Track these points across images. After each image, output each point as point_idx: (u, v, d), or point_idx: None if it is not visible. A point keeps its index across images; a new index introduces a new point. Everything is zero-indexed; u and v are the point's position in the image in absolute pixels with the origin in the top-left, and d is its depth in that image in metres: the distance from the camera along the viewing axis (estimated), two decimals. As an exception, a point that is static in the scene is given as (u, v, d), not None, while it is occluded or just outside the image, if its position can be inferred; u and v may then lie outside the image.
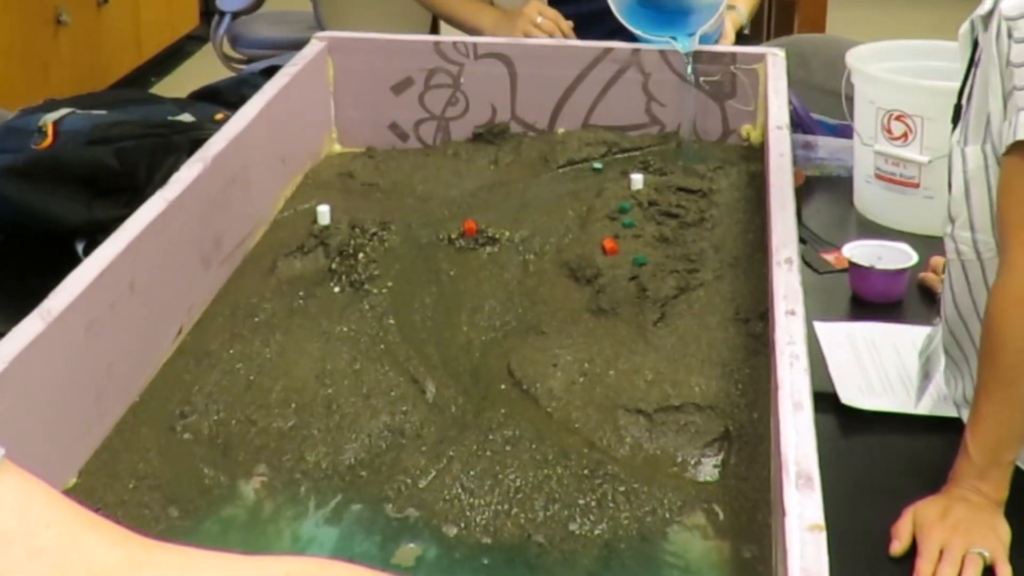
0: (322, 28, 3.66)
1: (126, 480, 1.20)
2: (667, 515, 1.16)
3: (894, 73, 1.97)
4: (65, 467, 1.19)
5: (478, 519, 1.15)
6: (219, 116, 2.03)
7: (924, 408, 1.47)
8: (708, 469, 1.24)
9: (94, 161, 1.84)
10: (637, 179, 1.75)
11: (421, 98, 2.03)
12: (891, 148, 1.95)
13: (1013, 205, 1.25)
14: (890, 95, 1.93)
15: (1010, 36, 1.26)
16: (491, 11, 2.29)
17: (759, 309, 1.46)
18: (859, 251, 1.77)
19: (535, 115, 2.02)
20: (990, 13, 1.31)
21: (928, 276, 1.75)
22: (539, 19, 2.16)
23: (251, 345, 1.40)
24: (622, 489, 1.18)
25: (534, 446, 1.24)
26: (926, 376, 1.46)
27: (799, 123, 2.21)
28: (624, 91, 1.99)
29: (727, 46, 2.07)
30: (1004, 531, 1.25)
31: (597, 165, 1.90)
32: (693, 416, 1.29)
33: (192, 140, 1.89)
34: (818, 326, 1.64)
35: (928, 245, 1.79)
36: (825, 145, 2.22)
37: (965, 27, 1.38)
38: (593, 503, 1.17)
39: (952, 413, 1.45)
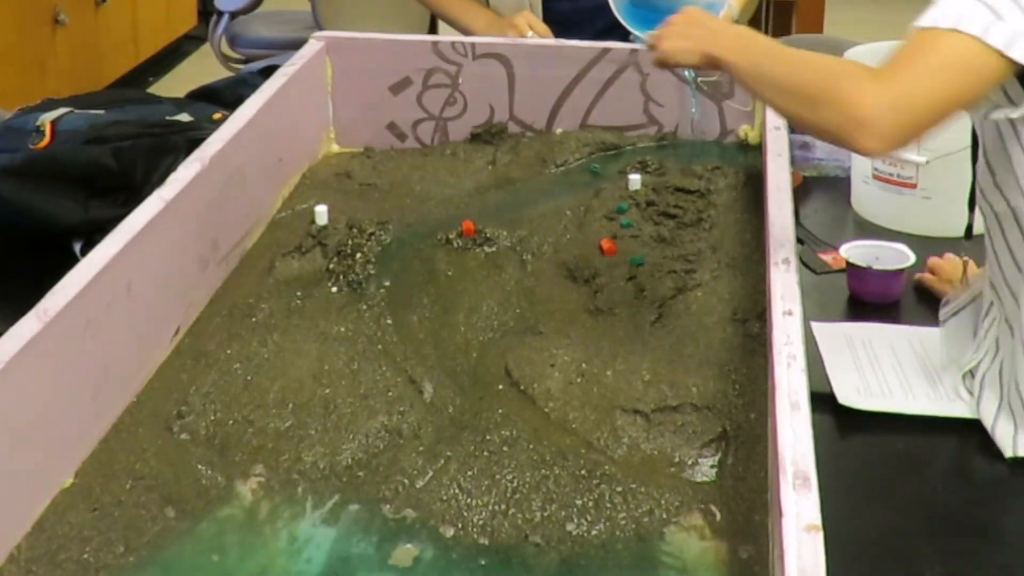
0: (320, 28, 3.66)
1: (123, 480, 1.20)
2: (664, 515, 1.16)
3: (892, 73, 1.96)
4: (62, 467, 1.19)
5: (475, 520, 1.15)
6: (217, 116, 2.03)
7: (924, 408, 1.47)
8: (705, 469, 1.24)
9: (91, 161, 1.84)
10: (635, 179, 1.75)
11: (419, 98, 2.03)
12: (889, 148, 1.94)
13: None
14: (888, 95, 1.93)
15: None
16: (484, 13, 2.27)
17: (756, 309, 1.46)
18: (856, 251, 1.77)
19: (533, 115, 2.02)
20: None
21: (926, 277, 1.75)
22: (529, 33, 2.14)
23: (248, 345, 1.40)
24: (619, 489, 1.18)
25: (531, 446, 1.24)
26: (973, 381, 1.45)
27: (797, 123, 2.21)
28: (622, 91, 1.99)
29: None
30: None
31: (595, 165, 1.90)
32: (690, 416, 1.29)
33: (190, 140, 1.89)
34: (815, 326, 1.64)
35: (925, 246, 1.79)
36: (823, 145, 2.22)
37: None
38: (590, 503, 1.17)
39: (950, 413, 1.44)
